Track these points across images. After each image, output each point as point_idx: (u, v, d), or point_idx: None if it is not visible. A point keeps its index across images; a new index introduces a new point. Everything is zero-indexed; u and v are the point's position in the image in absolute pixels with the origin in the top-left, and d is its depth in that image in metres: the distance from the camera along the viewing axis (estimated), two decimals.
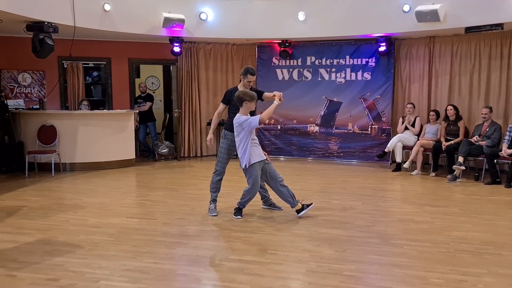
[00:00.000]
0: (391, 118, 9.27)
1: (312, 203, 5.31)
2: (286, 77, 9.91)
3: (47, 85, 9.36)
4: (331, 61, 9.61)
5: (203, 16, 8.97)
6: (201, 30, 9.10)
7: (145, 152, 10.23)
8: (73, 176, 7.82)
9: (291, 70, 9.89)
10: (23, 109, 8.78)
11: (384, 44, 8.84)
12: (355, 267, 3.75)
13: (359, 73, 9.45)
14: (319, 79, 9.72)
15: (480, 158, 7.59)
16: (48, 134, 8.11)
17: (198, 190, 6.64)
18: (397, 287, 3.38)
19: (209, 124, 9.37)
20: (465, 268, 3.71)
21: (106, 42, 9.49)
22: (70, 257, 3.96)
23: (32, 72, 9.25)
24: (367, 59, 9.36)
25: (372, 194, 6.56)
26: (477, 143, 7.47)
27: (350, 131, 9.65)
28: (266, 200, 5.60)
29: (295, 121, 9.97)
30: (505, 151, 7.08)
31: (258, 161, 4.98)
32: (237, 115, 4.98)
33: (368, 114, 9.46)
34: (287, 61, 9.89)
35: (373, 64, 9.31)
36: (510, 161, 7.06)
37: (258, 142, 5.10)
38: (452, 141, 7.88)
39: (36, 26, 7.09)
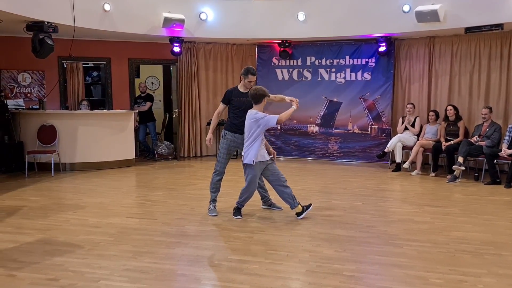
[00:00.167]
0: (391, 118, 9.27)
1: (311, 204, 5.30)
2: (286, 77, 9.91)
3: (47, 85, 9.36)
4: (331, 61, 9.61)
5: (203, 16, 8.97)
6: (201, 30, 9.10)
7: (145, 152, 10.22)
8: (73, 176, 7.82)
9: (291, 70, 9.90)
10: (23, 109, 8.78)
11: (384, 44, 8.84)
12: (355, 267, 3.75)
13: (359, 73, 9.45)
14: (319, 79, 9.72)
15: (480, 158, 7.59)
16: (48, 134, 8.11)
17: (198, 190, 6.64)
18: (397, 287, 3.38)
19: (209, 124, 9.35)
20: (465, 268, 3.71)
21: (106, 42, 9.48)
22: (70, 257, 3.96)
23: (32, 72, 9.25)
24: (367, 59, 9.36)
25: (372, 194, 6.56)
26: (477, 143, 7.47)
27: (350, 131, 9.65)
28: (266, 200, 5.60)
29: (295, 121, 9.97)
30: (504, 151, 7.08)
31: (261, 161, 4.98)
32: (253, 110, 4.95)
33: (368, 114, 9.46)
34: (287, 61, 9.89)
35: (373, 64, 9.31)
36: (510, 161, 7.06)
37: (264, 143, 5.07)
38: (452, 141, 7.88)
39: (36, 26, 7.08)
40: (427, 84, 8.93)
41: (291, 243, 4.35)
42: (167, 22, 8.50)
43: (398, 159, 8.37)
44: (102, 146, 8.46)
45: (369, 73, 9.36)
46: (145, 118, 9.79)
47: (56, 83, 9.32)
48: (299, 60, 9.83)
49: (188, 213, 5.45)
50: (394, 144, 8.39)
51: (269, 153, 5.16)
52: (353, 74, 9.50)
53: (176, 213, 5.45)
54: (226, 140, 5.31)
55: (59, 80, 9.43)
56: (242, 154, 5.06)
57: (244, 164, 5.04)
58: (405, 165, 8.17)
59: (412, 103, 8.76)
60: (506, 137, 7.28)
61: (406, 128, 8.62)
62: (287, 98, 5.21)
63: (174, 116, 9.97)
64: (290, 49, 9.70)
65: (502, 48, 8.10)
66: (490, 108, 7.70)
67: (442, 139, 8.09)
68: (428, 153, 8.24)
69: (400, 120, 8.85)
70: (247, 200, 5.20)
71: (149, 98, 9.91)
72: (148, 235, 4.57)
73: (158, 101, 11.38)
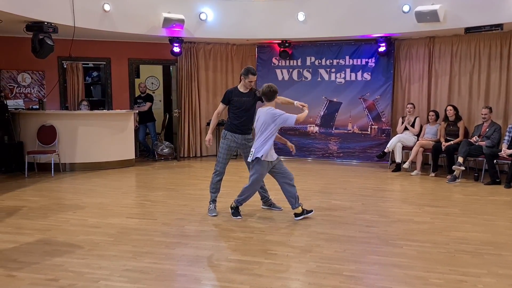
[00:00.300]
0: (390, 119, 9.27)
1: (312, 211, 5.25)
2: (286, 77, 9.91)
3: (47, 85, 9.36)
4: (331, 61, 9.61)
5: (203, 16, 8.97)
6: (201, 30, 9.10)
7: (145, 152, 10.22)
8: (72, 176, 7.82)
9: (290, 70, 9.89)
10: (23, 109, 8.77)
11: (383, 44, 8.84)
12: (355, 267, 3.75)
13: (359, 74, 9.45)
14: (319, 79, 9.72)
15: (479, 159, 7.59)
16: (47, 134, 8.11)
17: (198, 191, 6.63)
18: (397, 287, 3.38)
19: (208, 124, 9.37)
20: (465, 269, 3.71)
21: (105, 42, 9.48)
22: (69, 257, 3.96)
23: (31, 72, 9.25)
24: (366, 60, 9.36)
25: (372, 194, 6.56)
26: (476, 144, 7.47)
27: (349, 131, 9.65)
28: (266, 201, 5.60)
29: None
30: (504, 151, 7.08)
31: (270, 161, 4.97)
32: (267, 107, 4.93)
33: (367, 115, 9.46)
34: (287, 62, 9.89)
35: (373, 64, 9.31)
36: (510, 162, 7.07)
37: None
38: (451, 142, 7.88)
39: (36, 26, 7.08)
40: (427, 84, 8.93)
41: (291, 243, 4.35)
42: (167, 22, 8.50)
43: (398, 159, 8.38)
44: (102, 146, 8.46)
45: (369, 73, 9.36)
46: (145, 118, 9.79)
47: (56, 83, 9.32)
48: (299, 60, 9.83)
49: (188, 213, 5.45)
50: (394, 144, 8.39)
51: (288, 147, 5.40)
52: (353, 74, 9.49)
53: (176, 213, 5.44)
54: (226, 141, 5.30)
55: (59, 80, 9.43)
56: (252, 150, 4.97)
57: (252, 161, 4.96)
58: (405, 165, 8.17)
59: (412, 103, 8.76)
60: (506, 137, 7.28)
61: (406, 128, 8.62)
62: (297, 103, 5.21)
63: (174, 116, 9.96)
64: (290, 49, 9.70)
65: (502, 48, 8.10)
66: (490, 108, 7.70)
67: (442, 139, 8.09)
68: (428, 153, 8.24)
69: (400, 120, 8.85)
70: (247, 200, 5.19)
71: (149, 98, 9.91)
72: (148, 236, 4.57)
73: (158, 101, 11.38)
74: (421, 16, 7.71)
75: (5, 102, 8.17)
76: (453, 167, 7.44)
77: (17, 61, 9.02)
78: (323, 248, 4.20)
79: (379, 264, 3.83)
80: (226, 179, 5.53)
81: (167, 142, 10.04)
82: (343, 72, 9.54)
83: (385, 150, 8.46)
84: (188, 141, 10.02)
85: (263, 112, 4.94)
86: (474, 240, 4.45)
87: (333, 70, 9.62)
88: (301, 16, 8.86)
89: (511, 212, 5.59)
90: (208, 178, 5.73)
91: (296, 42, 9.63)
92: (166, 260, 3.91)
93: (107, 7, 8.04)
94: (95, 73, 11.19)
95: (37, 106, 8.71)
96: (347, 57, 9.48)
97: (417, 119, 8.64)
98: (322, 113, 9.79)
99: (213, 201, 5.41)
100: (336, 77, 9.62)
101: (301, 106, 5.15)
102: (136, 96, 9.97)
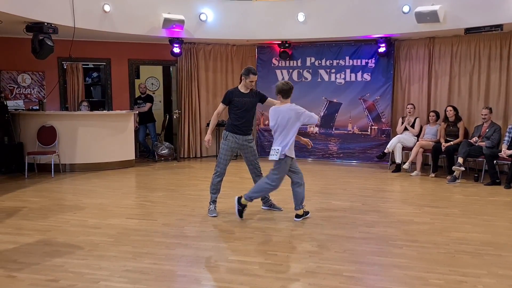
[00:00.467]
0: (390, 119, 9.27)
1: (308, 212, 5.26)
2: (286, 78, 9.90)
3: (47, 86, 9.36)
4: (331, 62, 9.62)
5: (202, 17, 8.98)
6: (201, 31, 9.10)
7: (145, 153, 10.22)
8: (72, 177, 7.82)
9: (290, 71, 9.90)
10: (23, 110, 8.78)
11: (383, 45, 8.85)
12: (355, 268, 3.75)
13: (359, 74, 9.45)
14: (319, 80, 9.72)
15: (479, 159, 7.59)
16: (47, 135, 8.11)
17: (198, 191, 6.63)
18: None
19: (208, 124, 9.35)
20: (465, 269, 3.71)
21: (105, 43, 9.49)
22: (70, 258, 3.96)
23: (31, 73, 9.26)
24: (366, 60, 9.36)
25: (371, 195, 6.56)
26: (476, 144, 7.47)
27: (349, 132, 9.65)
28: (266, 201, 5.60)
29: None
30: (504, 152, 7.08)
31: (292, 157, 4.99)
32: (287, 104, 4.98)
33: (367, 115, 9.47)
34: (287, 62, 9.90)
35: (373, 65, 9.32)
36: (510, 162, 7.07)
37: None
38: (451, 142, 7.88)
39: (36, 27, 7.09)
40: (426, 84, 8.93)
41: (291, 244, 4.35)
42: (167, 23, 8.51)
43: (398, 159, 8.38)
44: (102, 147, 8.46)
45: (369, 73, 9.37)
46: (145, 119, 9.79)
47: (56, 84, 9.33)
48: (299, 61, 9.84)
49: (188, 214, 5.45)
50: (394, 144, 8.39)
51: (306, 144, 5.45)
52: (353, 75, 9.50)
53: (176, 214, 5.44)
54: (227, 141, 5.29)
55: (59, 81, 9.43)
56: (276, 148, 4.86)
57: (279, 160, 4.87)
58: (405, 166, 8.17)
59: (412, 104, 8.76)
60: (506, 138, 7.28)
61: (405, 129, 8.63)
62: (274, 101, 5.35)
63: (174, 117, 9.96)
64: (290, 50, 9.70)
65: (502, 49, 8.11)
66: (490, 109, 7.71)
67: (442, 140, 8.09)
68: (428, 153, 8.24)
69: (400, 120, 8.85)
70: (259, 197, 5.19)
71: (149, 99, 9.91)
72: (148, 236, 4.57)
73: (158, 102, 11.38)
74: (421, 17, 7.71)
75: (5, 103, 8.18)
76: (453, 167, 7.44)
77: (17, 61, 9.03)
78: (323, 249, 4.20)
79: (379, 265, 3.83)
80: (226, 180, 5.54)
81: (167, 143, 10.04)
82: (343, 72, 9.55)
83: (385, 151, 8.46)
84: (188, 142, 10.02)
85: (285, 109, 4.92)
86: (474, 240, 4.45)
87: (333, 70, 9.62)
88: (301, 17, 8.87)
89: (511, 212, 5.59)
90: (208, 178, 5.73)
91: (296, 42, 9.64)
92: (166, 261, 3.91)
93: (107, 8, 8.05)
94: (95, 74, 11.19)
95: (37, 107, 8.71)
96: (347, 58, 9.48)
97: (417, 120, 8.64)
98: (322, 114, 9.79)
99: (213, 201, 5.41)
100: (336, 78, 9.62)
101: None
102: (136, 96, 9.98)
